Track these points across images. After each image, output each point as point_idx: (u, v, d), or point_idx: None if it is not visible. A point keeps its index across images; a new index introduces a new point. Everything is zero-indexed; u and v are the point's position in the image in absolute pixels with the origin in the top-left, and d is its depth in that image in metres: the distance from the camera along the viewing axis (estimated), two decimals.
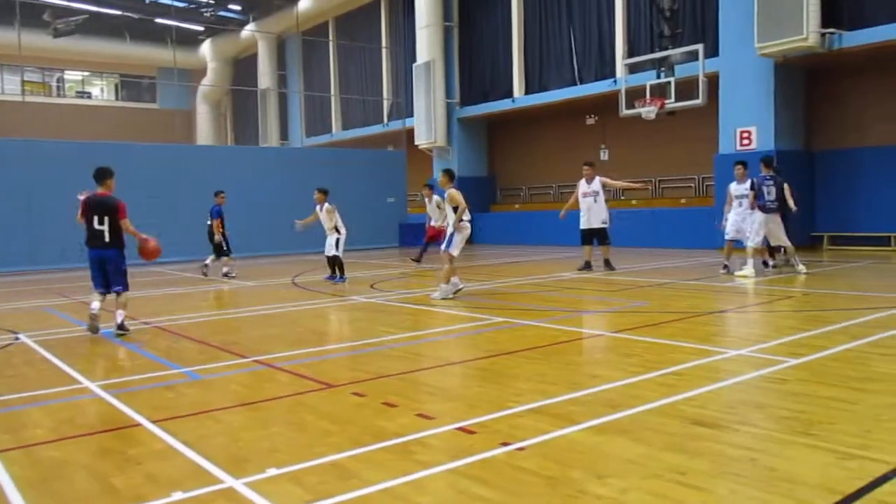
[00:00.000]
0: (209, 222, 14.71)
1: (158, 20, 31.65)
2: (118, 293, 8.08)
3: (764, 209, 11.62)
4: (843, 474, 3.33)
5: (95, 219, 7.97)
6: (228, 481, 3.49)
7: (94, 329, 7.88)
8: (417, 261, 16.32)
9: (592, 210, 13.23)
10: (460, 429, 4.21)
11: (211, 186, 20.61)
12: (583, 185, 13.39)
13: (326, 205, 12.80)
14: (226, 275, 14.60)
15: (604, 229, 13.29)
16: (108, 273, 8.09)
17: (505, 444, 3.87)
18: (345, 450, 3.89)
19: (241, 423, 4.55)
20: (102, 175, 8.12)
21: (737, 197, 12.09)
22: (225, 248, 14.64)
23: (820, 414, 4.29)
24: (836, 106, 17.09)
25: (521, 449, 3.80)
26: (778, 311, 8.48)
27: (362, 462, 3.71)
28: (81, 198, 8.19)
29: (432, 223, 16.19)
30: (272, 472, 3.59)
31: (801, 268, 11.77)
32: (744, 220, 11.96)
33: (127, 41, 37.02)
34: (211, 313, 9.73)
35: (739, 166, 12.05)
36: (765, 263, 12.54)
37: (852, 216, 16.46)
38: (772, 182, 11.66)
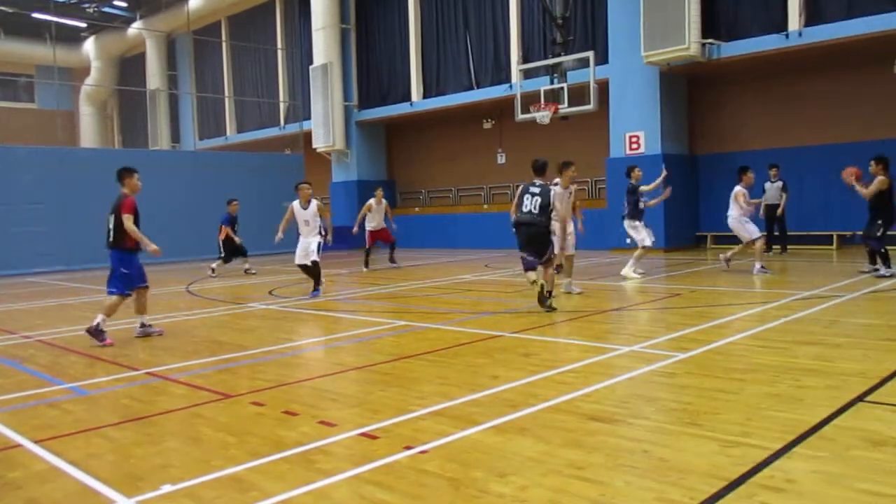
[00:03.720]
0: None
1: (36, 15, 29.83)
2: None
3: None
4: (727, 461, 3.53)
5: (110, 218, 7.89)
6: (119, 501, 3.34)
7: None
8: (366, 265, 16.06)
9: None
10: (363, 434, 4.19)
11: (97, 190, 19.70)
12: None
13: (315, 201, 11.13)
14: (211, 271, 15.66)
15: None
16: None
17: (408, 448, 3.88)
18: (243, 462, 3.79)
19: (133, 439, 4.36)
20: (119, 175, 8.38)
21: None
22: (222, 253, 15.64)
23: (705, 405, 4.53)
24: (717, 112, 18.11)
25: (423, 452, 3.82)
26: (666, 309, 8.88)
27: (262, 473, 3.63)
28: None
29: (372, 226, 15.93)
30: (166, 488, 3.46)
31: (640, 270, 12.23)
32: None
33: (1, 37, 34.74)
34: None
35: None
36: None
37: None
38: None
